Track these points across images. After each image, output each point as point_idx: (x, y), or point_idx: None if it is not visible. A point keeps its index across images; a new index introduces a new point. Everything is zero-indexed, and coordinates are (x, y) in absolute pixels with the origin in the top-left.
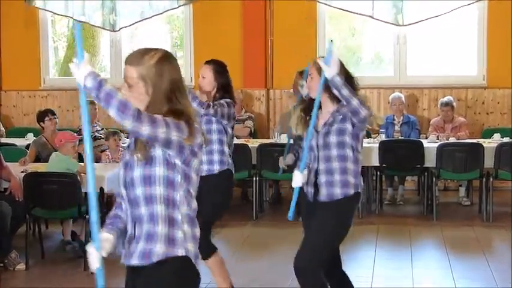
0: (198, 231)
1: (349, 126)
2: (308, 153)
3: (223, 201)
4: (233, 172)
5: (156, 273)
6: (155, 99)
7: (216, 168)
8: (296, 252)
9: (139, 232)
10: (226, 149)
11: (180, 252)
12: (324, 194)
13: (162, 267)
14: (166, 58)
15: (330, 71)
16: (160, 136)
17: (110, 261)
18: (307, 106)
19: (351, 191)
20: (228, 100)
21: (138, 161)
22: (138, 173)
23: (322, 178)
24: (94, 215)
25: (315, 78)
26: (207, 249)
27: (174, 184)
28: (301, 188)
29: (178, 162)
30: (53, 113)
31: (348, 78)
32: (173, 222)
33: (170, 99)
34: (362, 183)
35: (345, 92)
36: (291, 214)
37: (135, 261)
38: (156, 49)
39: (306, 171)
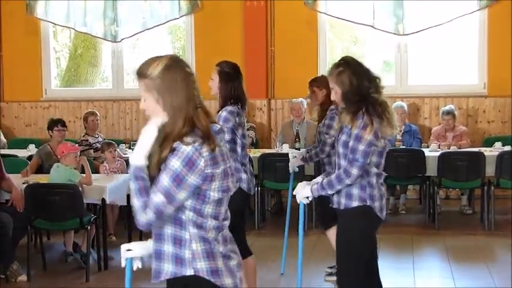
0: (218, 248)
1: (343, 137)
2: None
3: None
4: (247, 188)
5: None
6: (172, 117)
7: None
8: None
9: (154, 251)
10: (238, 165)
11: (189, 271)
12: (334, 201)
13: (172, 286)
14: (171, 66)
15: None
16: (182, 200)
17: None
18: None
19: (354, 203)
20: (228, 109)
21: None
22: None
23: None
24: None
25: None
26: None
27: (181, 206)
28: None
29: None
30: (63, 124)
31: (363, 84)
32: (180, 242)
33: (188, 117)
34: (375, 197)
35: (331, 190)
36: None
37: (152, 280)
38: (161, 57)
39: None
